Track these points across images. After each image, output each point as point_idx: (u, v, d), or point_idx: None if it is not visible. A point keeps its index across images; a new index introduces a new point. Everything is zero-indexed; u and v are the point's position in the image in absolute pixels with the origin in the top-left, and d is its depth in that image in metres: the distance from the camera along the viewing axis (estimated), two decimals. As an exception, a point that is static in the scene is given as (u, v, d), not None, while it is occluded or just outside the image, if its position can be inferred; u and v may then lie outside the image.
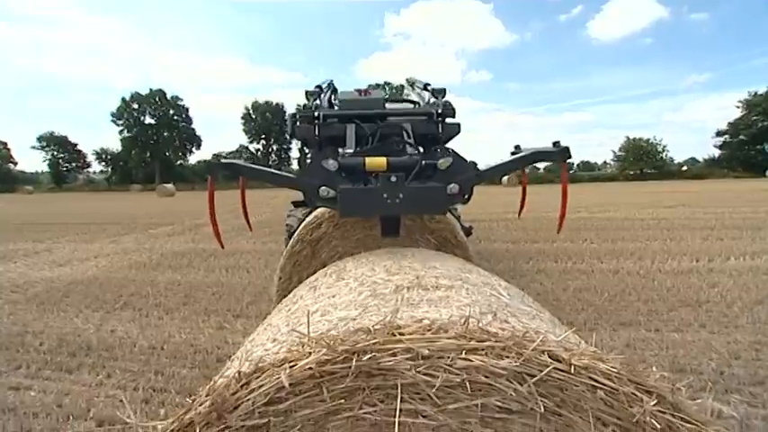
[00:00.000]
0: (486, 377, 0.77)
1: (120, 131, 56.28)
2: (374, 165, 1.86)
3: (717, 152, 47.65)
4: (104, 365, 2.94)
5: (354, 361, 0.76)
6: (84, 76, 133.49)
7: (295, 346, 0.83)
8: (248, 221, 2.89)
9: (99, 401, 2.47)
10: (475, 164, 1.98)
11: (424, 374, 0.77)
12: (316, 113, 2.24)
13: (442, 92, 2.61)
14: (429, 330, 0.82)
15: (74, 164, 58.92)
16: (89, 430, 2.21)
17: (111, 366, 2.93)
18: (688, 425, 0.76)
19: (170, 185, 32.75)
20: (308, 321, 0.90)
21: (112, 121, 56.47)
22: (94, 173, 63.94)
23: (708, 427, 0.77)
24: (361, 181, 1.89)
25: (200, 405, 0.77)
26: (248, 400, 0.76)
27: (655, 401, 0.76)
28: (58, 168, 57.08)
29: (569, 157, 2.06)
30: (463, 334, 0.80)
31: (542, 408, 0.78)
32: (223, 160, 2.10)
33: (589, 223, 9.06)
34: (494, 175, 2.11)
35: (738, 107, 45.53)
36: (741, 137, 44.32)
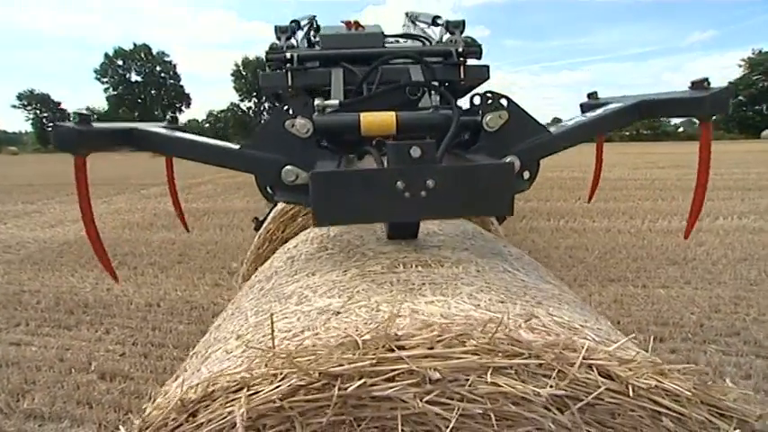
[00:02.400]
0: (517, 404, 0.59)
1: (105, 89, 54.45)
2: (375, 124, 1.15)
3: (714, 113, 47.21)
4: (102, 322, 2.99)
5: (337, 389, 0.58)
6: (62, 29, 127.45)
7: (256, 362, 0.64)
8: (183, 220, 2.06)
9: (99, 356, 2.54)
10: (540, 124, 1.22)
11: (434, 404, 0.59)
12: (288, 54, 1.64)
13: (461, 26, 1.88)
14: (439, 341, 0.62)
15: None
16: (91, 381, 2.28)
17: (109, 323, 2.98)
18: None
19: (160, 146, 32.11)
20: (272, 327, 0.68)
21: (96, 78, 54.45)
22: (81, 133, 62.34)
23: None
24: (355, 155, 1.25)
25: None
26: None
27: (735, 429, 0.60)
28: (43, 128, 55.49)
29: (724, 108, 1.20)
30: (486, 345, 0.61)
31: None
32: (96, 123, 1.18)
33: (582, 183, 9.08)
34: (575, 142, 1.29)
35: (740, 66, 44.65)
36: (740, 97, 43.76)
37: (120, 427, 0.81)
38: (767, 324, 2.71)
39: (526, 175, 1.19)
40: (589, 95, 1.70)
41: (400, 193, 0.93)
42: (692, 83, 1.22)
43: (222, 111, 57.62)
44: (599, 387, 0.59)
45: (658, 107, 1.31)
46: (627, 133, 43.22)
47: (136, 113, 54.13)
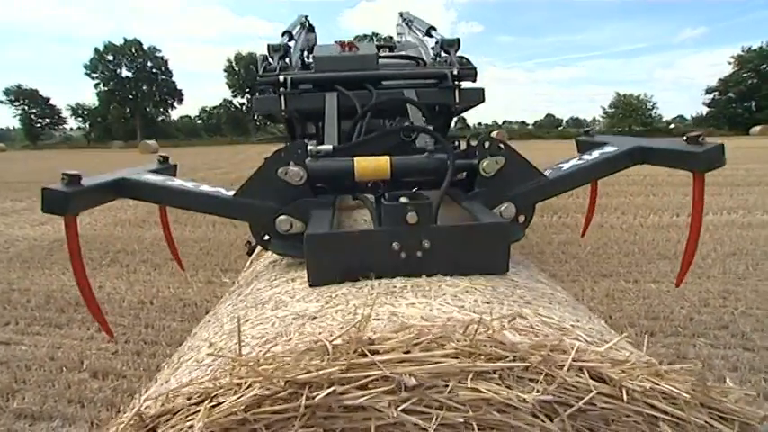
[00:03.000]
0: (502, 412, 0.55)
1: (96, 85, 53.64)
2: (369, 170, 1.14)
3: (705, 110, 47.65)
4: (94, 320, 2.96)
5: (304, 398, 0.53)
6: (49, 23, 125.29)
7: (221, 372, 0.60)
8: (179, 261, 2.19)
9: (91, 354, 2.51)
10: (536, 169, 1.23)
11: (411, 413, 0.54)
12: (281, 78, 1.61)
13: (455, 44, 1.90)
14: (417, 344, 0.58)
15: (48, 120, 56.28)
16: (83, 380, 2.26)
17: (101, 321, 2.95)
18: None
19: (153, 142, 31.90)
20: (239, 333, 0.64)
21: (86, 74, 53.60)
22: (71, 129, 61.44)
23: None
24: (350, 195, 1.26)
25: None
26: None
27: None
28: (32, 124, 54.57)
29: (718, 163, 1.20)
30: (467, 348, 0.57)
31: None
32: (85, 180, 1.15)
33: (575, 180, 9.15)
34: (570, 187, 1.31)
35: (731, 63, 45.02)
36: (730, 94, 44.14)
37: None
38: (754, 317, 2.75)
39: (521, 218, 1.20)
40: (585, 132, 1.73)
41: (396, 253, 0.93)
42: (687, 137, 1.23)
43: (215, 107, 57.20)
44: (590, 391, 0.55)
45: (653, 155, 1.32)
46: (619, 129, 43.55)
47: (127, 109, 53.49)
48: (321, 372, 0.54)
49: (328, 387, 0.54)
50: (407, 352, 0.57)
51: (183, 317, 2.99)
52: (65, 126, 59.53)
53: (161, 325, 2.86)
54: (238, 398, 0.54)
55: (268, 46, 1.91)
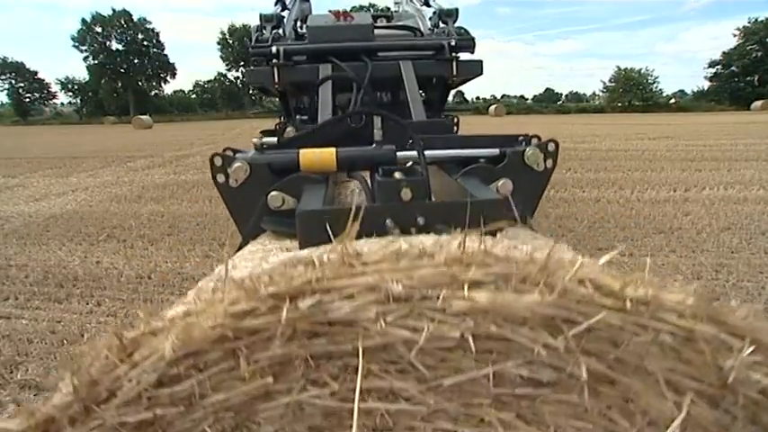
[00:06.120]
0: (499, 327, 0.50)
1: (85, 58, 52.25)
2: (315, 162, 1.12)
3: (707, 84, 46.99)
4: (93, 295, 2.99)
5: (285, 310, 0.49)
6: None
7: (205, 294, 0.57)
8: None
9: (92, 327, 2.54)
10: None
11: (400, 327, 0.49)
12: (273, 49, 1.57)
13: (454, 14, 1.85)
14: (404, 256, 0.55)
15: (37, 94, 55.00)
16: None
17: (99, 296, 2.97)
18: None
19: (146, 117, 31.29)
20: (226, 269, 0.59)
21: (74, 46, 52.11)
22: (62, 104, 60.25)
23: None
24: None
25: (62, 393, 0.52)
26: (130, 380, 0.51)
27: (751, 349, 0.49)
28: (20, 99, 53.35)
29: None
30: (458, 258, 0.51)
31: (585, 372, 0.51)
32: None
33: (573, 154, 9.10)
34: None
35: (735, 36, 44.10)
36: (733, 68, 43.44)
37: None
38: (745, 290, 2.80)
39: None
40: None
41: (390, 229, 0.89)
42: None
43: (209, 81, 56.08)
44: (594, 303, 0.50)
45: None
46: (619, 104, 43.08)
47: (119, 84, 52.36)
48: (303, 280, 0.50)
49: (312, 297, 0.49)
50: (396, 262, 0.52)
51: (182, 291, 3.01)
52: (55, 101, 58.30)
53: (160, 299, 2.88)
54: (217, 312, 0.50)
55: (260, 16, 1.86)
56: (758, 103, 33.37)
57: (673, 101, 49.14)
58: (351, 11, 2.17)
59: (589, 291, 0.49)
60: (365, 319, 0.49)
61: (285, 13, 2.10)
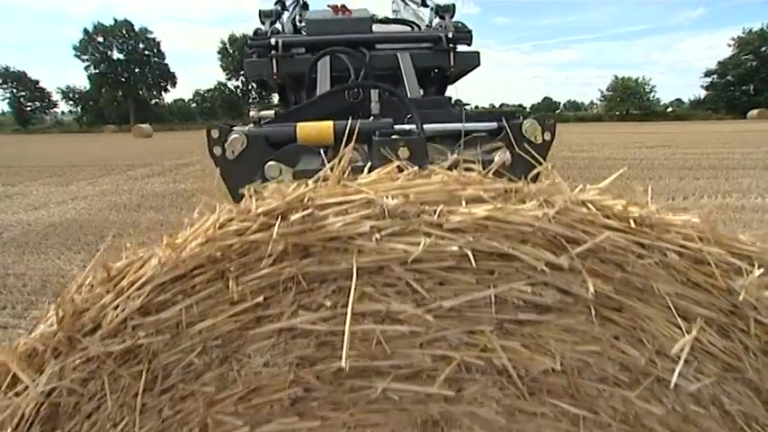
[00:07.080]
0: (499, 245, 0.46)
1: (86, 68, 52.56)
2: (312, 136, 1.11)
3: (703, 93, 47.34)
4: (91, 304, 2.97)
5: (277, 227, 0.45)
6: (33, 1, 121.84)
7: (199, 221, 0.53)
8: None
9: (89, 337, 2.53)
10: None
11: (396, 245, 0.45)
12: (272, 41, 1.59)
13: (451, 9, 1.87)
14: (400, 177, 0.52)
15: (38, 103, 55.18)
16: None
17: (98, 304, 2.96)
18: None
19: (147, 126, 31.41)
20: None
21: (76, 56, 52.47)
22: (63, 113, 60.44)
23: None
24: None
25: (46, 324, 0.48)
26: (115, 308, 0.48)
27: (761, 272, 0.47)
28: (21, 108, 53.51)
29: None
30: (456, 178, 0.49)
31: (592, 290, 0.46)
32: None
33: (572, 162, 9.14)
34: None
35: (730, 46, 44.56)
36: (728, 77, 43.83)
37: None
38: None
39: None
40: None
41: None
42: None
43: (209, 90, 56.38)
44: (598, 223, 0.46)
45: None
46: (617, 113, 43.34)
47: (119, 93, 52.64)
48: (298, 196, 0.47)
49: (303, 211, 0.46)
50: (393, 181, 0.50)
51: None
52: (56, 110, 58.50)
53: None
54: (207, 231, 0.47)
55: (259, 11, 1.88)
56: (754, 112, 33.65)
57: (670, 109, 49.44)
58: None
59: (592, 210, 0.47)
60: (359, 234, 0.45)
61: (285, 15, 2.14)
